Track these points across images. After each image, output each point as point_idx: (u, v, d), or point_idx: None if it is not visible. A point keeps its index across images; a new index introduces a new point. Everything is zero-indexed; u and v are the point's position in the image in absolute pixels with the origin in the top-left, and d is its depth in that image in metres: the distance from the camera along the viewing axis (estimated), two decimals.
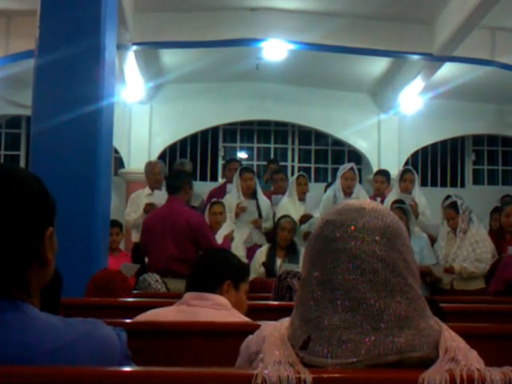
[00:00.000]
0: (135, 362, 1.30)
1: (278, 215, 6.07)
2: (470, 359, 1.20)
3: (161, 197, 6.20)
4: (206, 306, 2.43)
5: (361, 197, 6.11)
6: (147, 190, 6.59)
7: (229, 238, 5.55)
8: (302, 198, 6.38)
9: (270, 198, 6.60)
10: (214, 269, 2.55)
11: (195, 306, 2.44)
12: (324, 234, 1.27)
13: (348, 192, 6.22)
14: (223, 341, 2.04)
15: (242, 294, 2.59)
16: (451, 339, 1.24)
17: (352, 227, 1.25)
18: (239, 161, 7.93)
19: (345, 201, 1.38)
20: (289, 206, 6.30)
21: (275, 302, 3.15)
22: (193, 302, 2.46)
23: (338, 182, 6.35)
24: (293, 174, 7.28)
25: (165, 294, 4.05)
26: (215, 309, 2.42)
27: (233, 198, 6.16)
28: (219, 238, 5.51)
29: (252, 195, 6.23)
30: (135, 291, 4.14)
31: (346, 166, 6.54)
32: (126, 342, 1.28)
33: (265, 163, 9.42)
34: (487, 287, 5.19)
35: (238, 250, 5.52)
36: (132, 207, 6.55)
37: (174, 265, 4.80)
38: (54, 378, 1.12)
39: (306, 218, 6.12)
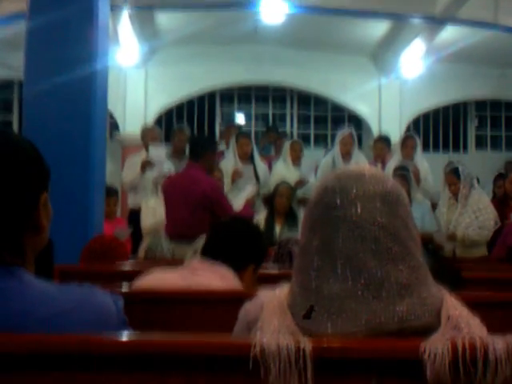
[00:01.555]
0: (133, 329, 1.28)
1: (273, 180, 6.06)
2: (473, 327, 1.20)
3: (157, 152, 6.17)
4: (212, 275, 2.34)
5: (360, 162, 6.10)
6: (143, 154, 6.57)
7: (250, 204, 5.46)
8: (296, 163, 6.37)
9: (269, 162, 6.59)
10: (240, 252, 2.40)
11: (199, 275, 2.35)
12: (324, 202, 1.25)
13: (347, 157, 6.21)
14: (221, 308, 2.03)
15: (256, 275, 2.47)
16: (453, 307, 1.23)
17: (352, 194, 1.23)
18: (238, 126, 7.88)
19: (344, 166, 1.36)
20: (283, 170, 6.30)
21: (275, 271, 3.14)
22: (199, 270, 2.37)
23: (336, 147, 6.34)
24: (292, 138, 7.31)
25: (164, 262, 4.02)
26: (217, 278, 2.34)
27: (229, 162, 6.13)
28: (240, 200, 5.41)
29: (249, 160, 6.20)
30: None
31: (345, 130, 6.52)
32: (123, 308, 1.27)
33: (263, 129, 9.39)
34: (489, 254, 5.19)
35: None
36: (129, 170, 6.53)
37: (186, 230, 4.69)
38: (49, 345, 1.12)
39: (301, 183, 6.11)
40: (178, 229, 4.74)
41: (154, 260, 4.15)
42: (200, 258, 2.43)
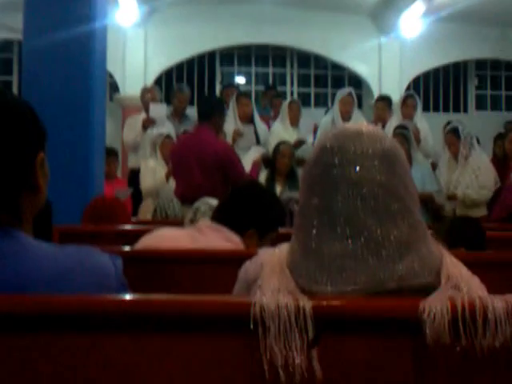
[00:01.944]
0: (133, 289, 1.28)
1: (271, 140, 6.03)
2: (473, 287, 1.20)
3: (157, 110, 6.14)
4: (217, 236, 2.36)
5: (360, 122, 6.04)
6: (143, 115, 6.53)
7: (257, 165, 5.40)
8: (294, 123, 6.33)
9: (267, 123, 6.55)
10: (242, 213, 2.41)
11: (205, 235, 2.37)
12: (322, 161, 1.25)
13: (346, 117, 6.19)
14: (222, 267, 2.03)
15: (264, 243, 2.42)
16: (453, 266, 1.23)
17: (350, 153, 1.23)
18: (236, 86, 7.79)
19: (342, 125, 1.35)
20: (281, 131, 6.26)
21: None
22: (205, 230, 2.39)
23: (336, 107, 6.31)
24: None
25: (164, 222, 4.01)
26: (222, 239, 2.35)
27: (229, 123, 6.08)
28: (246, 162, 5.36)
29: (249, 120, 6.16)
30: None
31: (344, 90, 6.49)
32: (122, 269, 1.25)
33: (263, 88, 9.32)
34: (490, 214, 5.19)
35: None
36: (129, 130, 6.51)
37: (198, 193, 4.58)
38: (47, 306, 1.12)
39: (299, 143, 6.08)
40: (190, 191, 4.58)
41: (165, 221, 4.13)
42: (207, 221, 2.44)
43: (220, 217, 2.42)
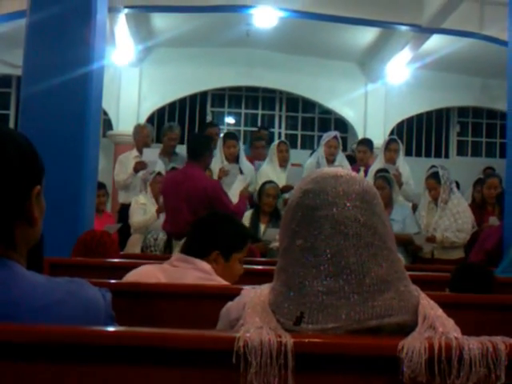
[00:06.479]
0: (118, 321, 1.31)
1: (259, 181, 6.06)
2: (448, 328, 1.22)
3: (150, 154, 6.21)
4: (188, 268, 2.43)
5: (343, 165, 6.15)
6: (134, 153, 6.60)
7: (244, 195, 5.43)
8: (282, 164, 6.36)
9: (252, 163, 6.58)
10: (202, 238, 2.51)
11: (177, 267, 2.45)
12: (304, 204, 1.28)
13: (331, 160, 6.24)
14: (207, 304, 2.05)
15: (233, 264, 2.53)
16: (430, 307, 1.25)
17: (332, 194, 1.26)
18: (217, 125, 7.81)
19: (319, 169, 1.39)
20: (270, 172, 6.27)
21: (259, 266, 3.16)
22: (176, 263, 2.47)
23: (321, 149, 6.37)
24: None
25: (152, 256, 4.04)
26: (193, 270, 2.42)
27: (216, 162, 6.15)
28: (232, 194, 5.41)
29: (235, 160, 6.24)
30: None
31: (330, 134, 6.55)
32: (111, 303, 1.29)
33: (252, 129, 9.39)
34: (467, 257, 5.26)
35: None
36: (121, 168, 6.56)
37: (187, 229, 4.66)
38: (36, 336, 1.13)
39: (287, 188, 6.09)
40: (178, 227, 4.75)
41: (153, 255, 4.17)
42: (178, 254, 2.54)
43: (186, 247, 2.52)
